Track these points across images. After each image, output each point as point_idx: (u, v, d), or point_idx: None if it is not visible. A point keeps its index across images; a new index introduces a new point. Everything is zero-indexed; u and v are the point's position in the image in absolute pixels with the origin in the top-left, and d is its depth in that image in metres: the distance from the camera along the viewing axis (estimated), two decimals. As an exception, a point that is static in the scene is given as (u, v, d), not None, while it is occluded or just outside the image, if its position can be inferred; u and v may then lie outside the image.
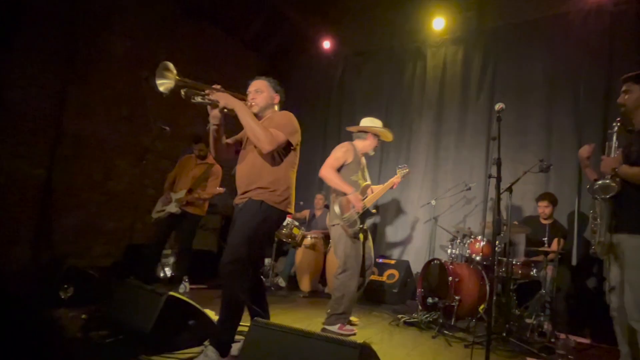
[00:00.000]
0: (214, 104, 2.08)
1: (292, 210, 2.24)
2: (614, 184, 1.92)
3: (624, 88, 2.11)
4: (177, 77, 1.98)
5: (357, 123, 3.46)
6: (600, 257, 2.08)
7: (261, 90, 2.26)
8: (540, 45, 4.62)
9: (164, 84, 1.98)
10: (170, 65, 1.99)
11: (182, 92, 2.03)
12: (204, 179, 3.90)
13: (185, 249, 3.85)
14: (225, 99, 2.07)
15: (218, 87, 2.11)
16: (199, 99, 2.06)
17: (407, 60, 5.60)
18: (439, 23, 5.29)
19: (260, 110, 2.24)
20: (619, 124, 2.09)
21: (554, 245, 3.45)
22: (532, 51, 4.65)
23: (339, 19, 6.02)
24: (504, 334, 2.94)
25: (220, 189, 3.98)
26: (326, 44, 6.22)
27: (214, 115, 2.12)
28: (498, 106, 2.45)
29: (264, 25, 6.34)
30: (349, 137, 3.51)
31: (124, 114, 4.98)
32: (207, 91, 2.07)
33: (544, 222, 3.83)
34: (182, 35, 5.55)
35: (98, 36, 4.67)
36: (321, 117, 6.21)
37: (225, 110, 2.09)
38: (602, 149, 2.23)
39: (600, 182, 1.96)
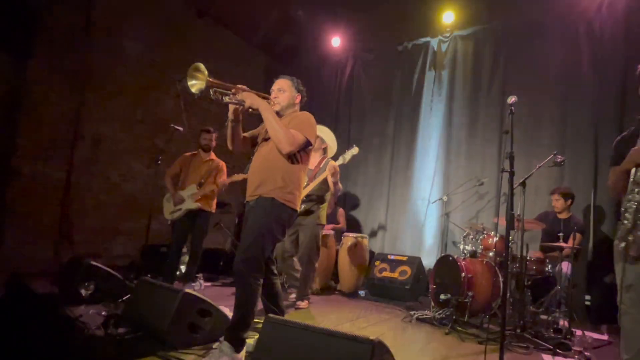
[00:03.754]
0: (240, 104, 2.12)
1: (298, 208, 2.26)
2: None
3: None
4: (208, 78, 2.00)
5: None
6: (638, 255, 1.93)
7: (284, 90, 2.29)
8: (552, 37, 4.52)
9: (196, 85, 2.01)
10: (201, 66, 2.01)
11: (211, 92, 2.07)
12: (211, 174, 3.99)
13: (199, 247, 3.92)
14: (250, 99, 2.11)
15: (244, 87, 2.15)
16: (227, 99, 2.10)
17: (417, 54, 5.55)
18: (448, 17, 5.24)
19: (281, 109, 2.28)
20: None
21: (570, 241, 3.39)
22: (545, 43, 4.55)
23: (347, 16, 6.01)
24: (519, 331, 2.91)
25: (238, 175, 3.99)
26: (335, 41, 6.21)
27: (235, 113, 2.17)
28: (510, 99, 2.41)
29: (273, 24, 6.37)
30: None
31: (138, 117, 5.10)
32: (233, 90, 2.12)
33: (560, 217, 3.77)
34: (193, 37, 5.62)
35: (112, 42, 4.78)
36: (331, 115, 6.20)
37: (251, 110, 2.13)
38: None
39: None
